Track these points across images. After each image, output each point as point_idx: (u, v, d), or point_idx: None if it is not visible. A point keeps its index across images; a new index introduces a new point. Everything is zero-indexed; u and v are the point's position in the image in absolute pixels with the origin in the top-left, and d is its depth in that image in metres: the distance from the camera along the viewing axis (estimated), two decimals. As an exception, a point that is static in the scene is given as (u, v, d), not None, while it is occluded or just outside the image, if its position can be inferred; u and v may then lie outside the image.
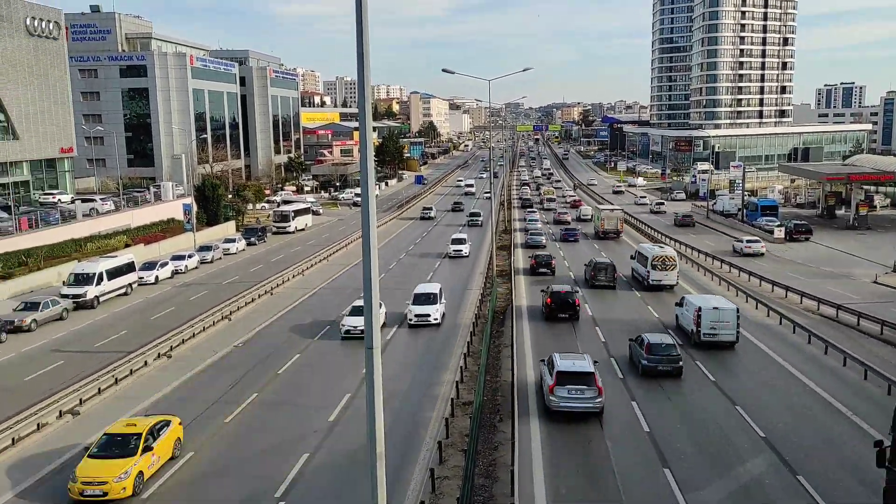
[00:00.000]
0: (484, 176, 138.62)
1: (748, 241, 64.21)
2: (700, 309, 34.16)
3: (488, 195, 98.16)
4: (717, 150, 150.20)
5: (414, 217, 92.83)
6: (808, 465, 21.66)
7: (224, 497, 20.70)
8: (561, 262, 56.81)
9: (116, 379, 29.89)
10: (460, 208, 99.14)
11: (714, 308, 34.14)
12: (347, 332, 36.38)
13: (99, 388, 28.71)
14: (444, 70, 50.76)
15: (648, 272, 47.37)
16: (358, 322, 35.61)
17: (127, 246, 58.74)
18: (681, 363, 29.87)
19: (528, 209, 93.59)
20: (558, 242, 69.54)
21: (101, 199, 67.12)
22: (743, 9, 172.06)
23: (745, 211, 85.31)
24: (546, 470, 21.56)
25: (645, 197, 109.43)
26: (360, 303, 36.94)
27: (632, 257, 52.88)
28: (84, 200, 65.56)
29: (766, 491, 20.36)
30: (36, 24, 69.47)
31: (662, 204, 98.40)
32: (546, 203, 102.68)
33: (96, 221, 61.81)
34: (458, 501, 18.70)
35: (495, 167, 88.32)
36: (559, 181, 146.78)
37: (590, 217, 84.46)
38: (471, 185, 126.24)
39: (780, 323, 39.13)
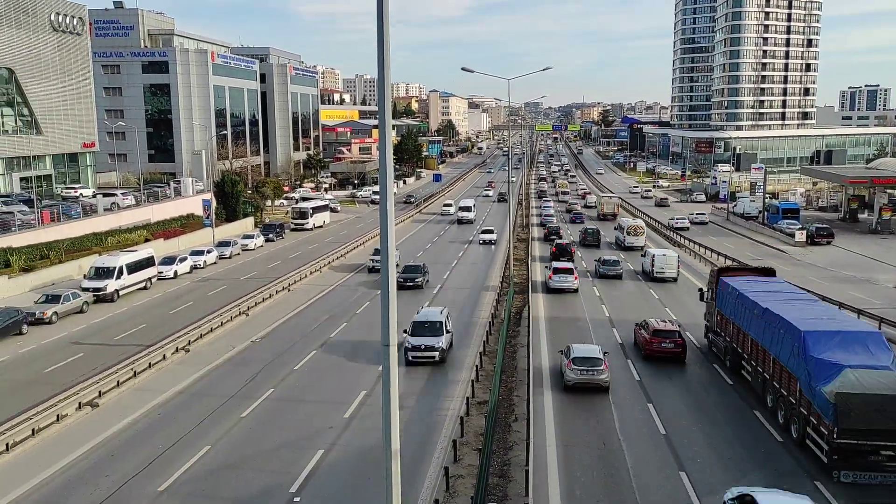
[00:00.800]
0: (490, 194, 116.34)
1: (677, 219, 75.25)
2: (654, 256, 51.35)
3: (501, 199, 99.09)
4: (738, 151, 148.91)
5: (435, 212, 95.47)
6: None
7: (239, 491, 20.83)
8: (566, 234, 74.30)
9: (135, 372, 30.17)
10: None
11: (663, 255, 51.62)
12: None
13: (118, 381, 29.00)
14: (463, 69, 50.61)
15: (624, 237, 66.22)
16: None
17: (147, 241, 59.26)
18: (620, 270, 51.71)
19: (545, 199, 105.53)
20: (567, 224, 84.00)
21: (122, 193, 67.78)
22: (766, 9, 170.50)
23: (765, 213, 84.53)
24: (561, 470, 21.51)
25: (657, 198, 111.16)
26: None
27: (615, 228, 71.55)
28: (105, 195, 66.26)
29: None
30: (60, 19, 70.28)
31: (666, 199, 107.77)
32: (560, 195, 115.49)
33: (117, 216, 62.43)
34: (472, 500, 18.69)
35: (511, 173, 75.25)
36: (574, 176, 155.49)
37: (594, 204, 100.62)
38: (468, 210, 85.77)
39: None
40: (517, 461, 22.29)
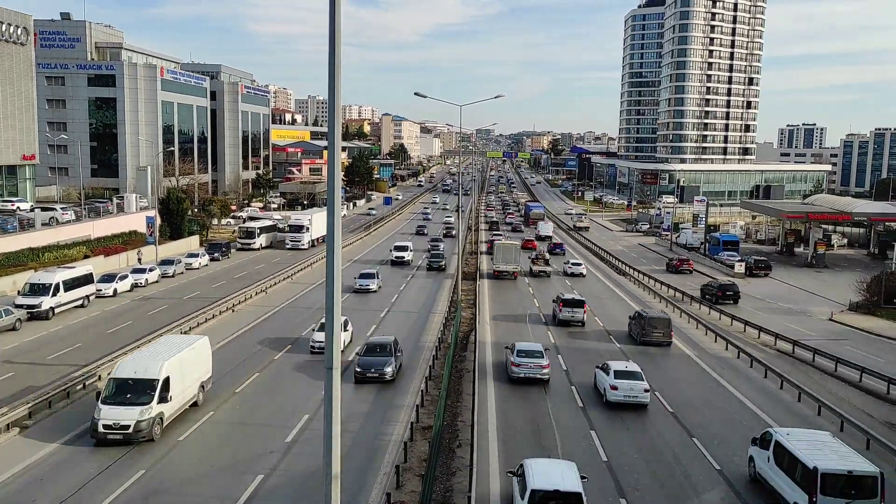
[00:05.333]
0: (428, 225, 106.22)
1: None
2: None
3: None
4: (682, 183, 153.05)
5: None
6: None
7: (174, 517, 20.20)
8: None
9: (68, 393, 29.14)
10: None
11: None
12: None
13: (50, 402, 27.95)
14: (416, 93, 51.29)
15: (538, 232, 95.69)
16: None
17: (86, 257, 57.64)
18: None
19: (494, 227, 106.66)
20: (510, 231, 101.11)
21: (61, 208, 65.89)
22: (710, 48, 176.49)
23: (707, 245, 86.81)
24: (504, 499, 21.47)
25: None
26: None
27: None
28: (44, 209, 64.33)
29: None
30: (3, 28, 68.47)
31: (587, 227, 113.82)
32: (507, 217, 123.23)
33: (56, 231, 60.60)
34: (414, 527, 18.50)
35: (459, 200, 78.07)
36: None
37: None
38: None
39: (738, 357, 39.74)
40: (460, 488, 22.19)
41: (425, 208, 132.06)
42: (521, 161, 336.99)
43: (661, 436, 27.08)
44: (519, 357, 32.99)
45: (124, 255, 62.56)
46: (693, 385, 34.27)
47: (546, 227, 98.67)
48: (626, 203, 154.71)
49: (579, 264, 69.47)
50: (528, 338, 40.52)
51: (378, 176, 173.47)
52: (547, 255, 71.40)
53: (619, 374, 30.25)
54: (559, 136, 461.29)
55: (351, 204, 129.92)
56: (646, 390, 29.85)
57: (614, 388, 29.75)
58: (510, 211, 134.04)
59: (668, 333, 41.17)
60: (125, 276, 53.97)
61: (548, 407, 29.87)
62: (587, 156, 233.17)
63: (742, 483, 23.17)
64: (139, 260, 62.84)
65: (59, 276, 45.43)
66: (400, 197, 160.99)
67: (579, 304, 45.95)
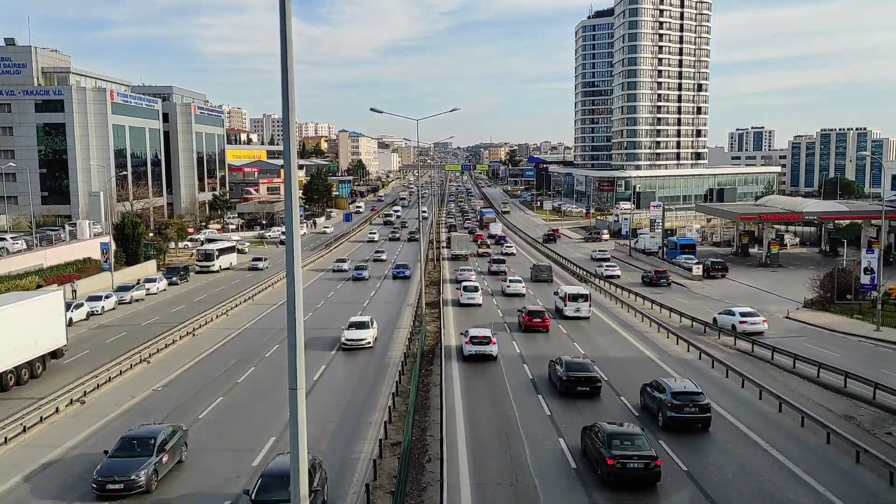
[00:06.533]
0: (398, 236, 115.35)
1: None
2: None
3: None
4: (637, 190, 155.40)
5: (360, 240, 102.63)
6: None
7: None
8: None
9: (25, 427, 28.29)
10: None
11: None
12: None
13: (6, 438, 27.11)
14: (372, 109, 51.52)
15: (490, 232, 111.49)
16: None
17: (39, 286, 56.17)
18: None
19: (452, 229, 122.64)
20: (467, 233, 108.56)
21: (11, 238, 64.26)
22: (659, 56, 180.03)
23: (664, 249, 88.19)
24: (475, 509, 21.37)
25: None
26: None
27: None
28: (-7, 239, 62.62)
29: None
30: (-55, 55, 66.74)
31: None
32: (465, 223, 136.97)
33: (6, 261, 59.10)
34: (386, 545, 18.33)
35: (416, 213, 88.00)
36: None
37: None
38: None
39: (700, 358, 40.36)
40: (431, 502, 22.08)
41: (388, 227, 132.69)
42: (480, 173, 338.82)
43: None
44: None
45: (80, 283, 61.10)
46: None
47: (496, 227, 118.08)
48: (584, 211, 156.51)
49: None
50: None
51: (337, 193, 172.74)
52: (489, 241, 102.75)
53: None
54: (516, 147, 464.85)
55: (310, 222, 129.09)
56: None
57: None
58: (468, 217, 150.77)
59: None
60: (80, 305, 52.78)
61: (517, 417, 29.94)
62: (544, 165, 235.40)
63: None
64: (74, 293, 57.63)
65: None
66: (361, 210, 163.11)
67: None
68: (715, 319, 49.02)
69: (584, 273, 75.17)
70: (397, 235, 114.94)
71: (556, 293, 56.39)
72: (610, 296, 62.70)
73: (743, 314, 47.45)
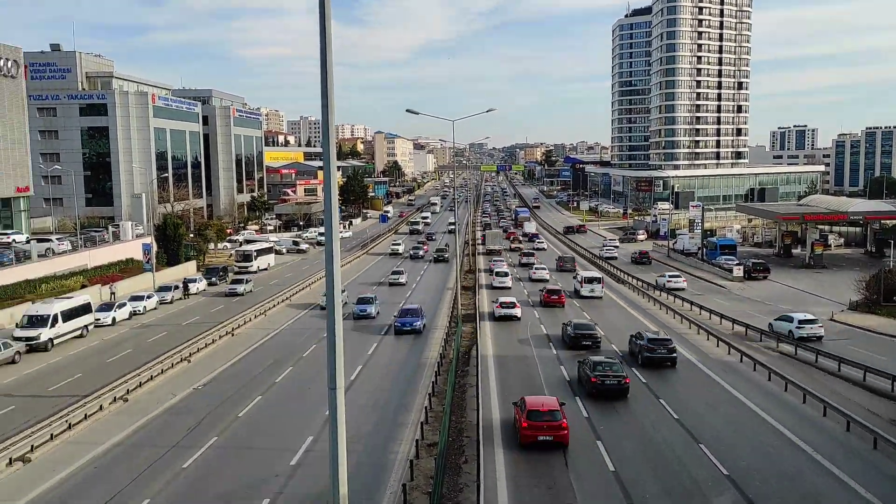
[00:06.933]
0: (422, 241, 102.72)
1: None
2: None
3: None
4: (676, 190, 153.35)
5: (383, 253, 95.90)
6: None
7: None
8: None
9: (70, 424, 28.94)
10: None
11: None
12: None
13: (52, 434, 27.75)
14: (408, 110, 51.48)
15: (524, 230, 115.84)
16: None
17: (83, 287, 57.46)
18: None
19: (487, 227, 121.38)
20: (502, 231, 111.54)
21: (57, 239, 65.75)
22: (698, 54, 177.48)
23: (704, 250, 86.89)
24: (512, 511, 21.29)
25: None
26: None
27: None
28: (40, 240, 64.11)
29: None
30: (-6, 62, 68.58)
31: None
32: (500, 222, 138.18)
33: (52, 262, 60.47)
34: (423, 546, 18.33)
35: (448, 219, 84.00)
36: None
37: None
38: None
39: (741, 360, 39.63)
40: (468, 503, 22.02)
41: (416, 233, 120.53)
42: (516, 173, 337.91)
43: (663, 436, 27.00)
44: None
45: (122, 283, 62.32)
46: (696, 389, 34.16)
47: (530, 226, 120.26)
48: (621, 211, 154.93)
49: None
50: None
51: (373, 194, 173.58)
52: (521, 237, 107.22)
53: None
54: (552, 147, 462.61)
55: (347, 223, 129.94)
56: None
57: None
58: (503, 216, 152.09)
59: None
60: (123, 305, 53.84)
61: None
62: (581, 165, 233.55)
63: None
64: (112, 295, 58.37)
65: (57, 306, 45.27)
66: (389, 215, 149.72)
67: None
68: (771, 325, 47.43)
69: (617, 271, 77.89)
70: (420, 253, 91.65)
71: (574, 277, 66.44)
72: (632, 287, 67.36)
73: (801, 321, 45.20)
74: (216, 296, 63.87)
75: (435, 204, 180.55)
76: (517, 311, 49.89)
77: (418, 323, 47.35)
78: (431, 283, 71.07)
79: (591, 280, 60.96)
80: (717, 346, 43.32)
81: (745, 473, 23.93)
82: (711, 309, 53.45)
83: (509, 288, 63.52)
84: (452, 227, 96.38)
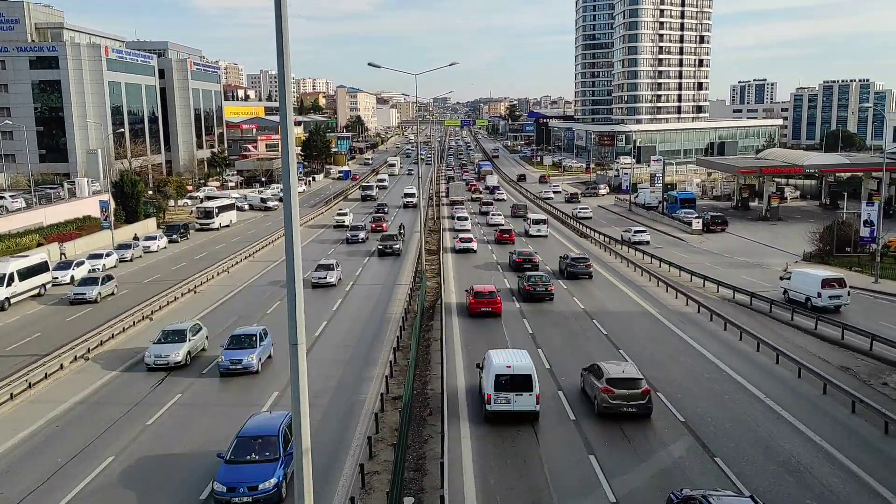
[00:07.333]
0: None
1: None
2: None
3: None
4: (638, 144, 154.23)
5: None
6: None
7: (146, 501, 20.12)
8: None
9: (30, 383, 28.67)
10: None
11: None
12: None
13: (11, 394, 27.49)
14: (370, 64, 50.52)
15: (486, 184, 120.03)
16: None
17: (39, 245, 56.29)
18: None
19: (451, 179, 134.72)
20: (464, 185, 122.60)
21: (10, 196, 64.09)
22: (661, 7, 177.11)
23: (665, 203, 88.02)
24: (475, 461, 21.82)
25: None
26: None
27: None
28: (-8, 198, 62.45)
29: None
30: (-65, 11, 65.68)
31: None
32: (463, 174, 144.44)
33: (6, 220, 59.05)
34: (388, 496, 18.74)
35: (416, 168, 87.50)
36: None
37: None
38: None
39: (699, 311, 40.62)
40: (432, 454, 22.47)
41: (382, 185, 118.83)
42: (480, 128, 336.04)
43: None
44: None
45: (79, 241, 61.17)
46: (660, 344, 35.08)
47: (492, 179, 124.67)
48: (584, 166, 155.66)
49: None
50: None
51: (336, 149, 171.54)
52: (482, 189, 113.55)
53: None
54: (516, 102, 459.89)
55: (309, 178, 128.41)
56: None
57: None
58: (466, 169, 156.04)
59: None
60: (81, 263, 52.90)
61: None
62: (544, 120, 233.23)
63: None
64: (62, 255, 56.23)
65: (13, 265, 44.36)
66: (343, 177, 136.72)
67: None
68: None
69: (557, 211, 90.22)
70: (361, 237, 67.17)
71: (524, 219, 76.65)
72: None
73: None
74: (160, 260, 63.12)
75: (393, 164, 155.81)
76: (473, 245, 60.67)
77: None
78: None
79: (537, 221, 71.65)
80: (676, 297, 44.29)
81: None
82: (671, 261, 54.46)
83: (468, 230, 70.17)
84: (412, 198, 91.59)
